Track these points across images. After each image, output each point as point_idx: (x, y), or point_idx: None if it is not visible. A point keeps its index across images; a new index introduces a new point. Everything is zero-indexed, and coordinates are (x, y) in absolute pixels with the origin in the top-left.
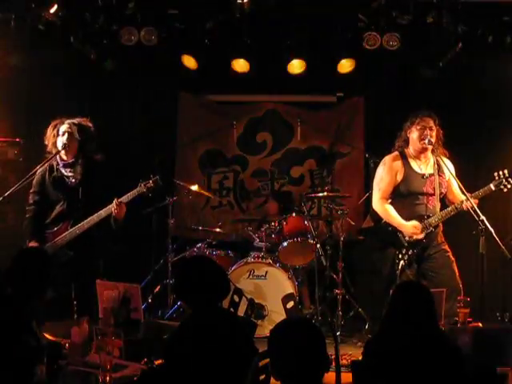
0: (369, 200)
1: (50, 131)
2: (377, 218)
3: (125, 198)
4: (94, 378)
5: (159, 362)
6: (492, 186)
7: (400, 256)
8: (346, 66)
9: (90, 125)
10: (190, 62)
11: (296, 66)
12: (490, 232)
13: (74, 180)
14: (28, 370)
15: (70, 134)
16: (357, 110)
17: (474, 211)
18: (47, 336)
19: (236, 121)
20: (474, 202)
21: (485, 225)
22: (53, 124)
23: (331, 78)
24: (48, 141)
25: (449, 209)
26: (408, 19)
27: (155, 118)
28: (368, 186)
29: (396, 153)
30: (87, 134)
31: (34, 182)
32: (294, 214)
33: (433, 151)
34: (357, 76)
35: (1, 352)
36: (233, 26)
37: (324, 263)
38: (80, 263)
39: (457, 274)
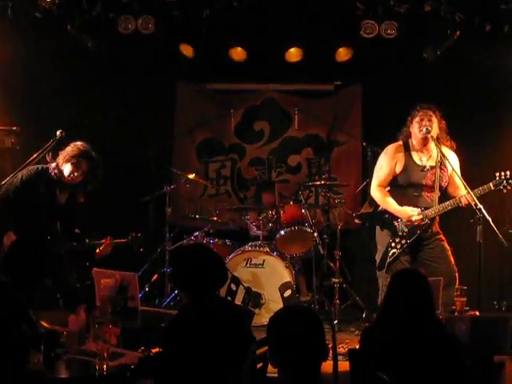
0: (366, 188)
1: (62, 156)
2: (375, 204)
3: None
4: (92, 366)
5: (156, 350)
6: (491, 186)
7: (393, 244)
8: (343, 54)
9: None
10: (187, 50)
11: (293, 55)
12: (488, 220)
13: (63, 201)
14: (24, 358)
15: (81, 170)
16: (354, 99)
17: (473, 200)
18: (44, 324)
19: (233, 109)
20: (472, 197)
21: (482, 213)
22: (68, 150)
23: (329, 66)
24: (58, 161)
25: (446, 203)
26: (405, 7)
27: (152, 106)
28: (365, 175)
29: (400, 142)
30: (95, 167)
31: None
32: (291, 203)
33: (437, 144)
34: (354, 64)
35: None
36: (230, 14)
37: (321, 252)
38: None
39: (453, 263)
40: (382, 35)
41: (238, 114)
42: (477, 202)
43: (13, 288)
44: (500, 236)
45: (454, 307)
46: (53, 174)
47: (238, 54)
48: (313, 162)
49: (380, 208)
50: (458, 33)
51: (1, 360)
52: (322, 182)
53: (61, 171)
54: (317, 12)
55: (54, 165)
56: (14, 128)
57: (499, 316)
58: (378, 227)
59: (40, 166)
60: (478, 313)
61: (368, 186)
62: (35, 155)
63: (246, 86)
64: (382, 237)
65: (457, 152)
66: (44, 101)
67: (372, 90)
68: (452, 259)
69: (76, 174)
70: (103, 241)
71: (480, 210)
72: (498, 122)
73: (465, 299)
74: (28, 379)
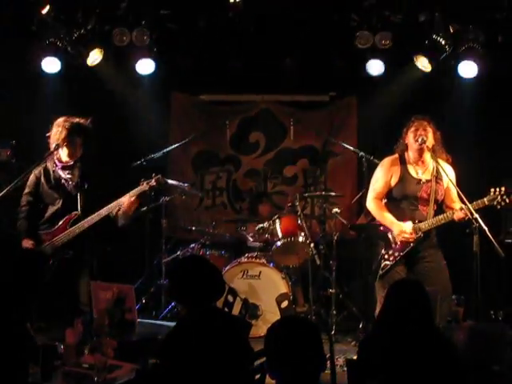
0: (362, 199)
1: (54, 129)
2: (370, 217)
3: (132, 195)
4: (89, 378)
5: (153, 361)
6: (486, 201)
7: (386, 256)
8: (339, 65)
9: (90, 126)
10: (182, 61)
11: (289, 66)
12: (484, 230)
13: (71, 183)
14: (23, 371)
15: (73, 136)
16: (350, 110)
17: (469, 211)
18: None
19: (229, 120)
20: (466, 212)
21: (479, 223)
22: (56, 123)
23: (324, 77)
24: (52, 139)
25: (440, 217)
26: (400, 18)
27: (147, 117)
28: (361, 186)
29: (396, 155)
30: (88, 135)
31: (29, 183)
32: (287, 214)
33: (433, 155)
34: (349, 75)
35: None
36: (226, 25)
37: (317, 262)
38: (79, 262)
39: (448, 275)
40: (376, 45)
41: (234, 125)
42: (473, 211)
43: (10, 301)
44: (496, 246)
45: (449, 318)
46: (50, 166)
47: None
48: (309, 172)
49: (375, 220)
50: (452, 43)
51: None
52: (318, 192)
53: (53, 152)
54: (312, 23)
55: (54, 158)
56: (10, 141)
57: (497, 326)
58: (372, 239)
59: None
60: (475, 322)
61: (364, 196)
62: (32, 168)
63: (242, 98)
64: (376, 248)
65: (451, 164)
66: (39, 113)
67: (367, 100)
68: (447, 272)
69: (74, 152)
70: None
71: (476, 219)
72: (492, 134)
73: (462, 309)
74: None
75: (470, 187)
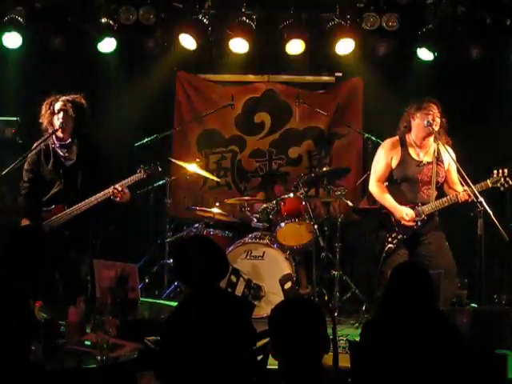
0: (366, 181)
1: (44, 109)
2: (373, 199)
3: (124, 183)
4: (91, 357)
5: (155, 340)
6: (489, 183)
7: (389, 239)
8: (345, 46)
9: (84, 101)
10: (188, 41)
11: (295, 47)
12: (489, 214)
13: (70, 161)
14: (24, 349)
15: (66, 112)
16: (355, 91)
17: (474, 195)
18: (43, 314)
19: (234, 101)
20: (469, 194)
21: (483, 206)
22: (47, 101)
23: (330, 58)
24: (43, 119)
25: (443, 199)
26: (407, 0)
27: (153, 97)
28: (366, 167)
29: (396, 137)
30: (82, 111)
31: (29, 160)
32: (291, 195)
33: (435, 139)
34: (356, 57)
35: None
36: (231, 5)
37: (321, 244)
38: (76, 243)
39: (451, 257)
40: (383, 27)
41: (239, 105)
42: (478, 195)
43: (12, 279)
44: (501, 230)
45: (454, 300)
46: (50, 143)
47: (239, 45)
48: (313, 154)
49: (377, 203)
50: (459, 26)
51: (1, 350)
52: (324, 169)
53: (55, 132)
54: (318, 4)
55: (49, 131)
56: (15, 118)
57: (499, 309)
58: (376, 222)
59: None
60: (478, 306)
61: (368, 178)
62: (34, 145)
63: (247, 78)
64: (379, 232)
65: (453, 147)
66: (44, 91)
67: (373, 82)
68: (450, 253)
69: (65, 119)
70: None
71: (481, 203)
72: (496, 117)
73: (465, 292)
74: (28, 369)
75: (470, 170)
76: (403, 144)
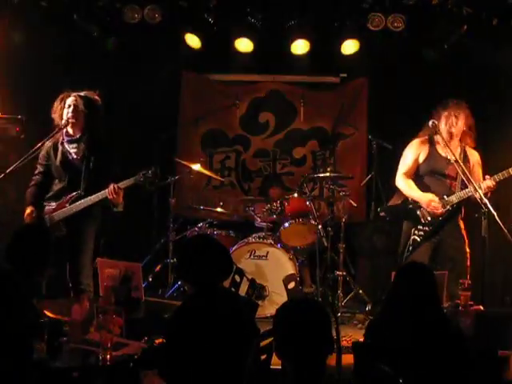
0: (371, 182)
1: (57, 104)
2: (403, 196)
3: (121, 185)
4: (95, 355)
5: (160, 340)
6: (511, 171)
7: (416, 232)
8: (350, 46)
9: (98, 98)
10: (193, 40)
11: (300, 47)
12: (493, 215)
13: (76, 157)
14: (28, 347)
15: (76, 107)
16: (360, 92)
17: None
18: (47, 313)
19: (239, 100)
20: (492, 184)
21: (488, 208)
22: (60, 97)
23: (335, 58)
24: (55, 113)
25: (467, 190)
26: (413, 0)
27: (158, 96)
28: (371, 168)
29: (426, 137)
30: (94, 107)
31: (41, 155)
32: (295, 195)
33: (460, 140)
34: (361, 57)
35: (1, 328)
36: (236, 4)
37: (325, 244)
38: (74, 241)
39: (468, 255)
40: (389, 28)
41: (244, 105)
42: (482, 196)
43: (17, 276)
44: (505, 231)
45: (458, 301)
46: (60, 139)
47: (243, 45)
48: (318, 154)
49: (405, 199)
50: (465, 27)
51: (5, 348)
52: (327, 173)
53: (64, 127)
54: (324, 4)
55: (63, 132)
56: (19, 116)
57: (503, 311)
58: (401, 217)
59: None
60: (482, 307)
61: (373, 179)
62: (39, 144)
63: (252, 78)
64: (406, 227)
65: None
66: (48, 89)
67: (378, 83)
68: (468, 252)
69: (75, 114)
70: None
71: (486, 204)
72: (504, 116)
73: (469, 293)
74: (32, 368)
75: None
76: (432, 143)
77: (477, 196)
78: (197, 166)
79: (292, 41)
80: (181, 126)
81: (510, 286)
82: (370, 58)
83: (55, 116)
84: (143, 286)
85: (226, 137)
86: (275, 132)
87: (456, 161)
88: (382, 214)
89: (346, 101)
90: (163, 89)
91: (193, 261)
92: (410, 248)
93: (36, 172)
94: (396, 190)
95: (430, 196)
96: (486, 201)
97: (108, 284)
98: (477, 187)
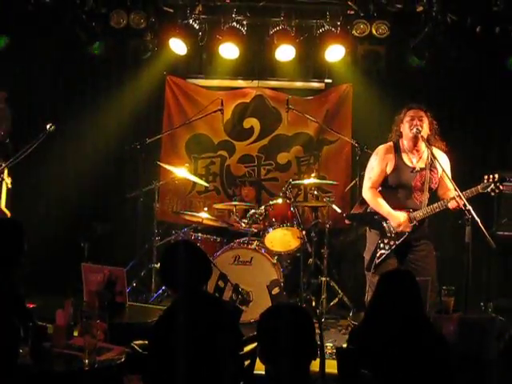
0: (355, 188)
1: None
2: (366, 205)
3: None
4: (78, 360)
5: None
6: (479, 189)
7: (382, 245)
8: (335, 53)
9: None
10: (178, 45)
11: (285, 53)
12: (476, 221)
13: None
14: (12, 352)
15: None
16: (345, 98)
17: (463, 203)
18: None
19: (223, 106)
20: (459, 201)
21: (471, 214)
22: None
23: (320, 64)
24: None
25: (434, 205)
26: (398, 7)
27: (142, 101)
28: (355, 174)
29: (390, 143)
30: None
31: None
32: (280, 201)
33: (427, 144)
34: (345, 63)
35: None
36: (221, 10)
37: (309, 250)
38: None
39: (435, 268)
40: (373, 34)
41: (228, 110)
42: (466, 202)
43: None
44: (488, 237)
45: (441, 307)
46: None
47: (228, 50)
48: (302, 160)
49: (370, 208)
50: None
51: None
52: (311, 180)
53: None
54: (309, 10)
55: None
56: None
57: (486, 317)
58: (367, 227)
59: None
60: (464, 313)
61: (357, 185)
62: (26, 148)
63: (237, 83)
64: (371, 237)
65: (447, 153)
66: (34, 94)
67: (363, 89)
68: (435, 265)
69: None
70: None
71: (469, 211)
72: (486, 122)
73: (452, 299)
74: (15, 372)
75: (463, 175)
76: (397, 150)
77: (460, 203)
78: (181, 171)
79: (277, 46)
80: (165, 132)
81: (492, 292)
82: (354, 64)
83: None
84: (127, 290)
85: (211, 142)
86: (260, 138)
87: (422, 169)
88: (347, 221)
89: (330, 107)
90: (148, 93)
91: (170, 266)
92: (378, 261)
93: None
94: (360, 198)
95: (400, 217)
96: (469, 207)
97: (92, 288)
98: (461, 195)
